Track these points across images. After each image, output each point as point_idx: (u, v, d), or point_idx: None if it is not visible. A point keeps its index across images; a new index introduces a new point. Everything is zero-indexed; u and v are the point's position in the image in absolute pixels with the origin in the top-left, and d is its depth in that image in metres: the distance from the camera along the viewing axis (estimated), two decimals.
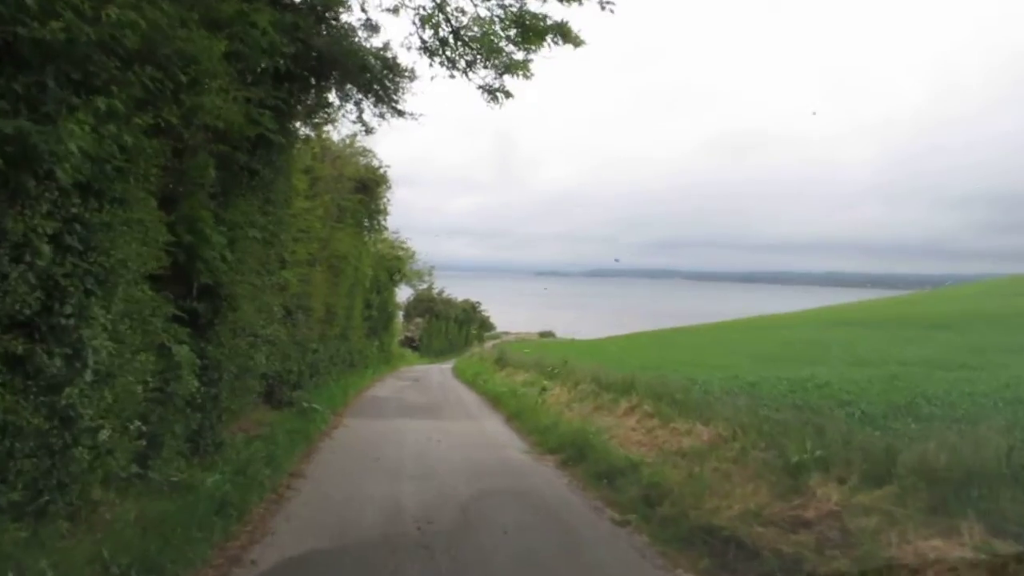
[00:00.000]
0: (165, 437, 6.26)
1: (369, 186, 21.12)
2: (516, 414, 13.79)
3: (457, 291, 62.53)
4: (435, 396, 19.09)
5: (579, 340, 38.89)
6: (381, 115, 11.40)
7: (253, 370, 9.56)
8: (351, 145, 20.53)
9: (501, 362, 24.23)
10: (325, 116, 11.83)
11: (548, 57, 10.06)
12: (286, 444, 9.48)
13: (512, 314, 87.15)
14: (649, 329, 41.15)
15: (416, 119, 11.07)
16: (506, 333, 78.27)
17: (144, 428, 5.74)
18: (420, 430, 12.29)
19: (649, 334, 33.09)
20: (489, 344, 60.18)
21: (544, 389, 15.51)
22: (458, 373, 27.56)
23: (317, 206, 15.72)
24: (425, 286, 47.57)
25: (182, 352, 6.55)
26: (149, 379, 5.77)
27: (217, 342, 7.79)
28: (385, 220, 23.51)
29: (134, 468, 5.66)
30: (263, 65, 7.89)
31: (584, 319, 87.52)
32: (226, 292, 7.83)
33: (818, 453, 5.86)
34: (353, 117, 11.87)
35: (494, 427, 13.09)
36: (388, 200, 23.08)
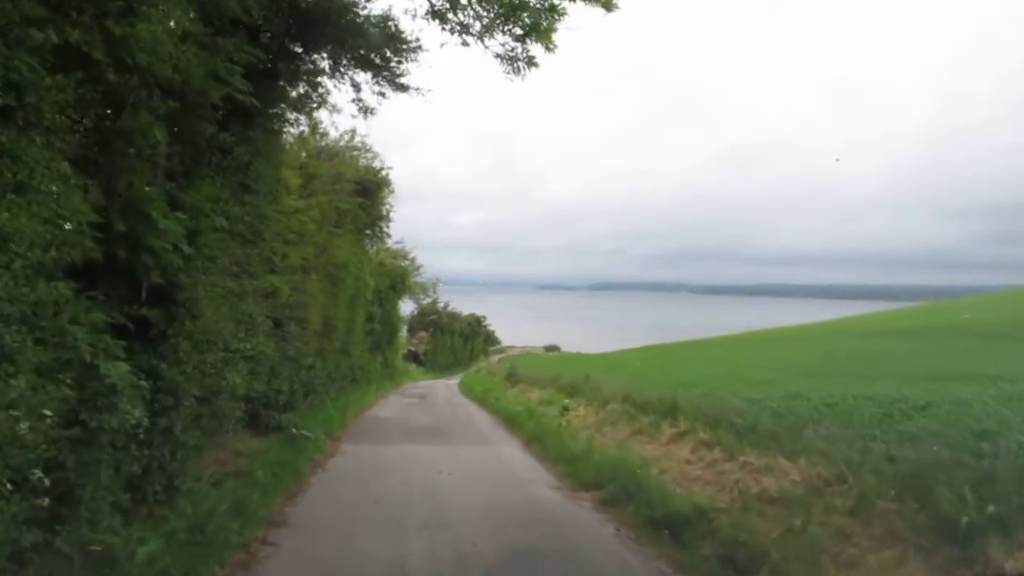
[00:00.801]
0: (86, 489, 4.60)
1: (370, 189, 19.56)
2: (536, 437, 12.11)
3: (459, 305, 61.00)
4: (443, 416, 17.38)
5: (592, 354, 37.19)
6: (381, 92, 9.83)
7: (227, 392, 7.91)
8: (350, 142, 19.02)
9: (513, 377, 22.55)
10: (314, 90, 10.21)
11: (571, 28, 8.56)
12: (267, 482, 7.83)
13: (516, 328, 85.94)
14: (664, 342, 39.49)
15: (423, 94, 9.52)
16: (511, 347, 77.64)
17: (49, 480, 4.10)
18: (428, 458, 10.62)
19: (666, 347, 31.40)
20: (495, 358, 58.80)
21: (566, 409, 13.84)
22: (466, 389, 25.84)
23: (312, 206, 14.15)
24: (430, 300, 45.83)
25: (116, 372, 4.91)
26: (56, 411, 4.13)
27: (174, 359, 6.13)
28: (388, 228, 21.96)
29: (32, 536, 4.03)
30: (232, 12, 6.31)
31: (590, 333, 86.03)
32: (185, 296, 6.20)
33: (991, 509, 4.18)
34: (349, 97, 10.29)
35: (512, 454, 11.40)
36: (391, 206, 21.56)
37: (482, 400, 20.19)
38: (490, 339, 75.61)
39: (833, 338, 23.06)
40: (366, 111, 10.50)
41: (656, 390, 11.94)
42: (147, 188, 5.44)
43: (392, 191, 20.46)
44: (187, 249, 5.89)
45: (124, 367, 5.06)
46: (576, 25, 8.67)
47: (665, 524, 6.22)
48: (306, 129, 15.97)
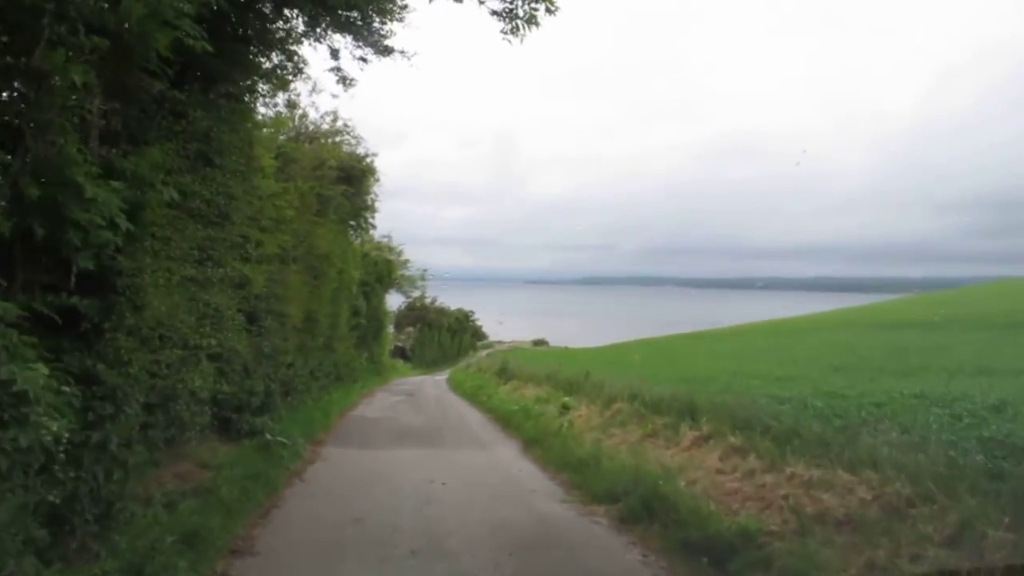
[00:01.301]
0: None
1: (354, 177, 18.48)
2: (535, 440, 11.11)
3: (447, 300, 59.83)
4: (433, 415, 16.32)
5: (586, 348, 36.26)
6: (363, 58, 8.81)
7: (185, 396, 6.85)
8: (333, 126, 17.90)
9: (505, 373, 21.48)
10: (289, 60, 9.13)
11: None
12: (234, 499, 6.76)
13: (504, 323, 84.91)
14: (658, 335, 38.56)
15: (408, 58, 8.51)
16: (499, 342, 76.57)
17: None
18: (418, 465, 9.60)
19: (663, 340, 30.50)
20: (483, 353, 57.67)
21: (566, 408, 12.84)
22: (455, 386, 24.79)
23: (290, 191, 13.07)
24: (418, 292, 44.60)
25: (25, 377, 3.85)
26: None
27: (113, 358, 5.07)
28: (373, 218, 20.87)
29: None
30: None
31: (579, 327, 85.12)
32: (126, 282, 5.14)
33: None
34: (327, 66, 9.25)
35: (511, 459, 10.39)
36: (376, 196, 20.47)
37: (473, 397, 19.17)
38: (478, 334, 74.52)
39: (842, 330, 22.19)
40: (345, 81, 9.49)
41: (665, 387, 10.98)
42: (70, 149, 4.36)
43: (377, 180, 19.43)
44: (126, 225, 4.81)
45: (40, 370, 4.00)
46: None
47: (703, 550, 5.24)
48: (283, 109, 14.90)
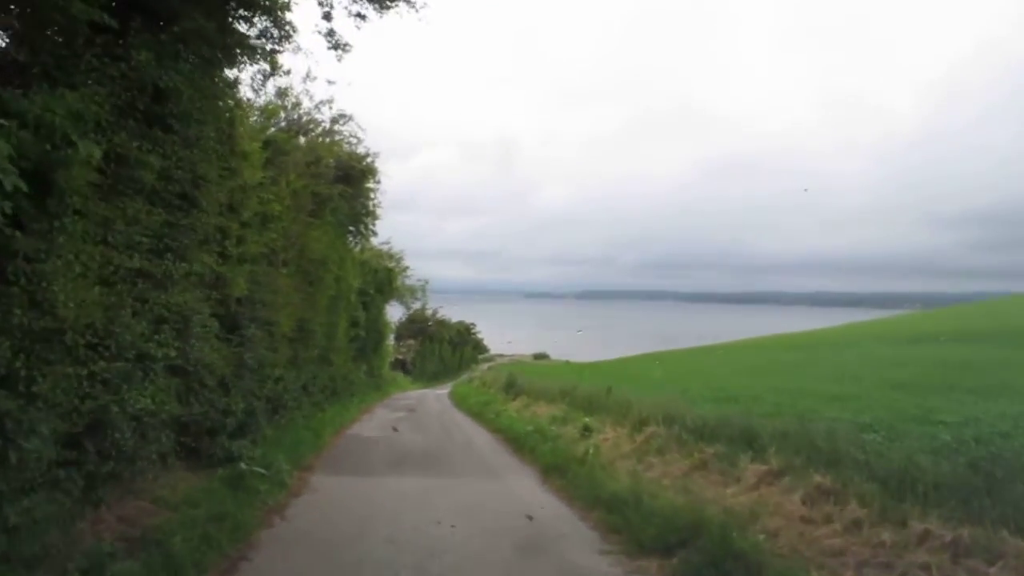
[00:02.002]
0: None
1: (354, 177, 17.06)
2: (556, 468, 9.62)
3: (446, 313, 58.40)
4: (436, 435, 14.84)
5: (597, 362, 34.78)
6: (360, 14, 7.44)
7: (124, 420, 5.39)
8: (334, 126, 16.47)
9: (513, 389, 20.01)
10: (276, 25, 7.76)
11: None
12: (190, 552, 5.31)
13: (504, 336, 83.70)
14: (667, 349, 37.15)
15: (415, 9, 7.11)
16: (500, 355, 75.37)
17: None
18: (422, 499, 8.15)
19: (678, 354, 29.04)
20: (484, 367, 56.23)
21: (588, 430, 11.39)
22: (459, 401, 23.31)
23: (280, 183, 11.69)
24: (419, 303, 42.89)
25: None
26: None
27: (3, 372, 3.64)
28: (374, 223, 19.43)
29: None
30: None
31: (580, 340, 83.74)
32: (21, 268, 3.71)
33: None
34: (321, 29, 7.89)
35: (529, 491, 8.91)
36: (378, 201, 19.01)
37: (479, 415, 17.69)
38: (479, 347, 73.16)
39: (873, 344, 20.66)
40: (339, 47, 8.09)
41: (705, 407, 9.56)
42: None
43: (379, 181, 17.97)
44: (16, 185, 3.39)
45: None
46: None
47: None
48: (274, 98, 13.56)
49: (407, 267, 32.50)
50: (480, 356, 71.64)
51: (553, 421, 13.39)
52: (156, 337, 5.89)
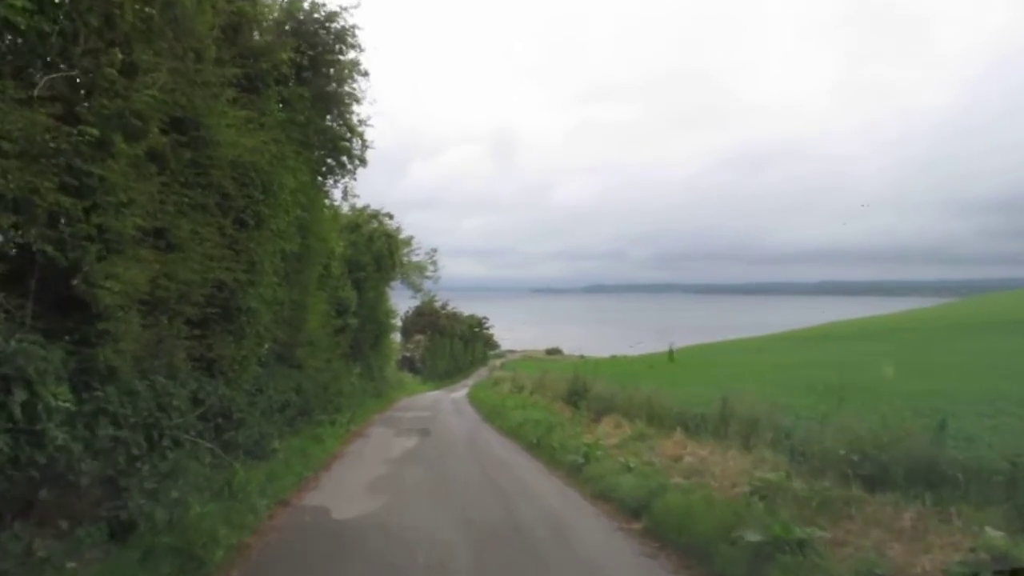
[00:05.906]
0: None
1: (320, 60, 10.73)
2: None
3: (457, 306, 52.35)
4: (471, 494, 8.09)
5: (629, 357, 29.12)
6: None
7: None
8: None
9: (573, 396, 13.61)
10: None
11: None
12: None
13: (514, 331, 79.33)
14: (698, 343, 32.03)
15: None
16: (511, 351, 71.35)
17: None
18: None
19: (702, 349, 23.93)
20: (497, 363, 50.87)
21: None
22: (488, 413, 17.01)
23: None
24: (431, 284, 33.33)
25: None
26: None
27: None
28: (363, 151, 12.68)
29: None
30: None
31: (590, 335, 78.68)
32: None
33: None
34: None
35: None
36: (365, 119, 12.41)
37: (537, 447, 10.96)
38: (489, 343, 67.79)
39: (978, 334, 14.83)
40: None
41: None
42: None
43: (365, 73, 11.42)
44: None
45: None
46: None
47: None
48: None
49: (412, 238, 25.98)
50: (491, 352, 66.21)
51: (691, 472, 7.02)
52: None
